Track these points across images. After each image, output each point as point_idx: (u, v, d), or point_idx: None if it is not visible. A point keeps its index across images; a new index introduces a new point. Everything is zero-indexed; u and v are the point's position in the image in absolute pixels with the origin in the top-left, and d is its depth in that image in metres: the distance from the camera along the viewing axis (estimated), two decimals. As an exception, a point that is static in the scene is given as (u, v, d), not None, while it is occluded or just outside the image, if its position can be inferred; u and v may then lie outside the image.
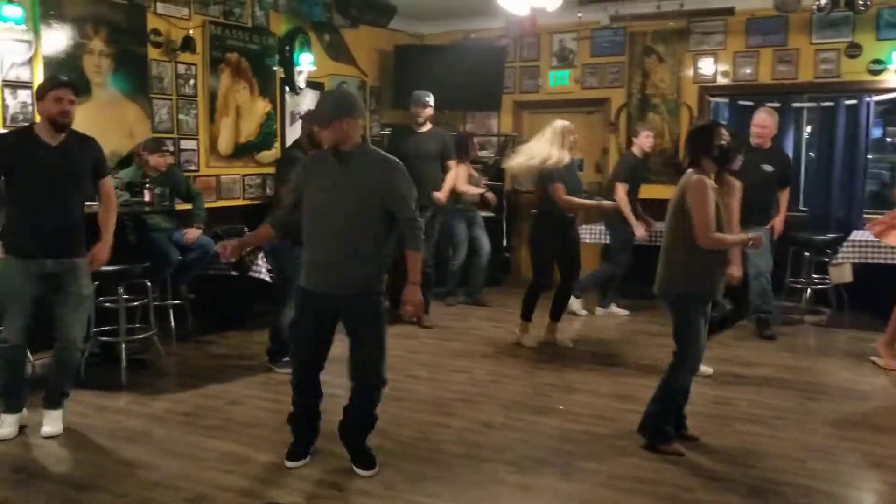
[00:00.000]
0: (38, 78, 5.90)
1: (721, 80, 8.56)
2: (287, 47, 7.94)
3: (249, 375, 5.66)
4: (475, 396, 5.21)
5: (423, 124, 7.19)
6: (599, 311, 7.65)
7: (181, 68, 7.04)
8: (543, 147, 6.03)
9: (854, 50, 7.88)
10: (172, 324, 6.45)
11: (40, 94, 4.33)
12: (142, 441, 4.42)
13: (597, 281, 7.64)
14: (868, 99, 7.97)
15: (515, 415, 4.85)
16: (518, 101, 9.59)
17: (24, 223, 4.33)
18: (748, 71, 8.40)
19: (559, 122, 6.12)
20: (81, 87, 5.27)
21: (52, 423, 4.49)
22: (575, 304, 7.44)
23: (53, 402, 4.53)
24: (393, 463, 4.07)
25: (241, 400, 5.12)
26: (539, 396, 5.23)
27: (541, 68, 9.43)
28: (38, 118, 4.64)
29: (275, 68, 7.92)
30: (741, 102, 8.54)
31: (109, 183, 4.67)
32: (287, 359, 5.74)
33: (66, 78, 4.50)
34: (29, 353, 5.29)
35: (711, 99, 8.70)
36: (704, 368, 5.44)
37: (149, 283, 5.81)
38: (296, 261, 5.52)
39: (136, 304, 6.02)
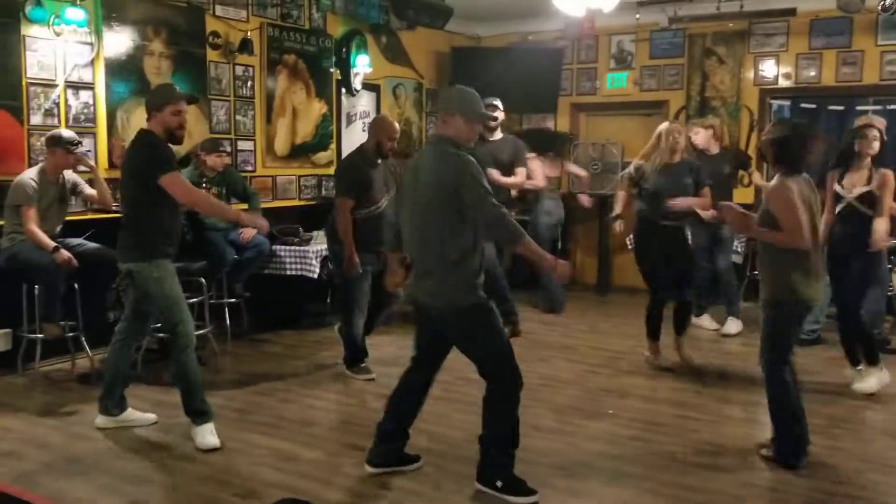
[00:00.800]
0: (100, 79, 6.06)
1: (783, 83, 8.39)
2: (344, 49, 8.01)
3: (302, 374, 5.73)
4: (525, 400, 5.07)
5: (494, 131, 6.81)
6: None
7: (239, 70, 7.14)
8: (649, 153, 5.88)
9: (922, 51, 7.66)
10: (228, 322, 6.56)
11: (158, 106, 4.28)
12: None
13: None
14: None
15: (565, 419, 4.81)
16: (575, 102, 9.53)
17: (170, 228, 4.39)
18: (811, 73, 8.21)
19: (663, 125, 5.93)
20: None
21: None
22: (705, 319, 7.18)
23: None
24: (441, 464, 4.08)
25: (293, 398, 5.18)
26: (591, 401, 5.18)
27: (598, 70, 9.34)
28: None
29: (331, 70, 7.99)
30: (804, 105, 8.36)
31: None
32: (364, 365, 5.70)
33: (180, 90, 4.55)
34: (88, 349, 5.45)
35: (773, 101, 8.52)
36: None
37: (205, 282, 5.94)
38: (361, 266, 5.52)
39: (192, 301, 6.11)
